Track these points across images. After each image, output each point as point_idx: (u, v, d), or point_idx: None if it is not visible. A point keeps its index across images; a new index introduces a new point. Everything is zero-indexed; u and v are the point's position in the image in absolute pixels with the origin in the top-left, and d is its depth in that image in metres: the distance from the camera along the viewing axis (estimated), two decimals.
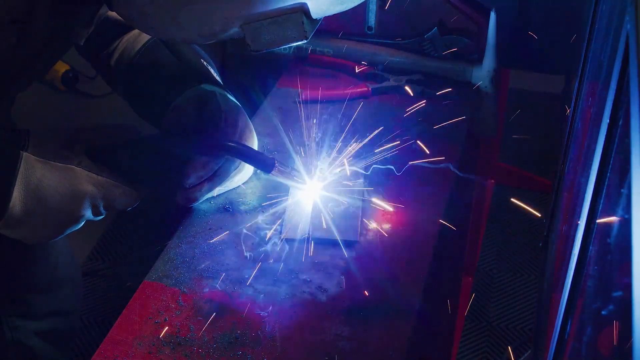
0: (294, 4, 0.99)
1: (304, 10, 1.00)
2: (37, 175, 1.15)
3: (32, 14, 1.10)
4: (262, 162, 1.31)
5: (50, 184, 1.16)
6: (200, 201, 1.34)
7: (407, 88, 1.69)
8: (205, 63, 1.44)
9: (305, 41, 1.02)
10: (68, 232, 1.23)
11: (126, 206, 1.26)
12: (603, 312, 0.66)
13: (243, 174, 1.38)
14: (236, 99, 1.42)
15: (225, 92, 1.40)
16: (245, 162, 1.33)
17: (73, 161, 1.19)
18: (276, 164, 1.30)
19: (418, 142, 1.43)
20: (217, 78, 1.44)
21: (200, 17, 1.01)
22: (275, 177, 1.32)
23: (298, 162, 1.38)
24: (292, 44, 1.03)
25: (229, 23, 1.01)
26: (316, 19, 1.04)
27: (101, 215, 1.25)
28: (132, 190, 1.25)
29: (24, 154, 1.15)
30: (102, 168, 1.21)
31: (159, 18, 1.04)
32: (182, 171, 1.28)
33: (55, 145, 1.19)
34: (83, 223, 1.25)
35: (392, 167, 1.40)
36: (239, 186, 1.41)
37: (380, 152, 1.43)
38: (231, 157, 1.31)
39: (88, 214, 1.22)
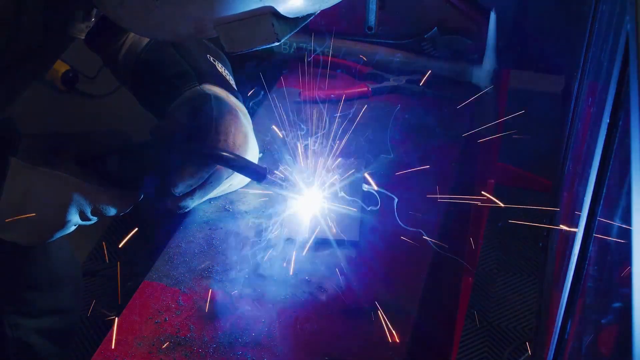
0: (261, 7, 0.98)
1: (271, 12, 0.98)
2: (24, 181, 1.16)
3: (22, 13, 1.10)
4: (253, 172, 1.28)
5: (38, 190, 1.17)
6: (192, 207, 1.33)
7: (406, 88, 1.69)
8: (212, 59, 1.43)
9: (277, 43, 1.01)
10: (57, 236, 1.23)
11: (116, 212, 1.26)
12: (603, 321, 0.66)
13: (242, 178, 1.37)
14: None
15: (227, 93, 1.39)
16: (235, 171, 1.30)
17: (61, 168, 1.19)
18: (268, 174, 1.27)
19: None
20: (224, 74, 1.43)
21: (170, 19, 1.01)
22: (269, 187, 1.30)
23: (295, 167, 1.37)
24: (264, 46, 1.02)
25: (201, 24, 1.01)
26: (296, 20, 1.03)
27: (90, 221, 1.24)
28: (121, 197, 1.25)
29: (13, 159, 1.16)
30: (91, 174, 1.22)
31: (131, 20, 1.04)
32: (171, 179, 1.28)
33: (45, 151, 1.20)
34: (73, 228, 1.25)
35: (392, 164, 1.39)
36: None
37: (380, 153, 1.43)
38: (221, 165, 1.29)
39: (75, 219, 1.22)
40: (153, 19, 1.01)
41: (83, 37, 1.25)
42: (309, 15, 1.04)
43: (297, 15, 1.02)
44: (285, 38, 1.02)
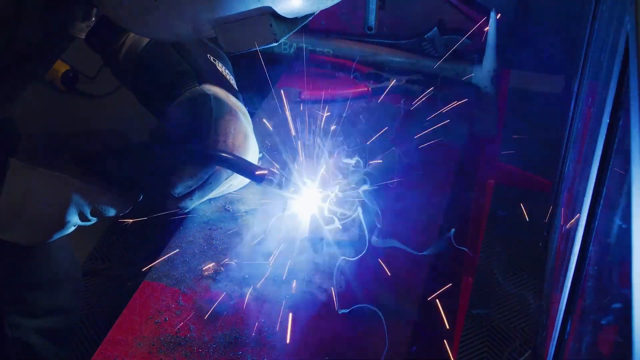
0: (259, 7, 0.98)
1: (269, 12, 0.99)
2: (24, 181, 1.16)
3: (22, 12, 1.10)
4: (252, 173, 1.27)
5: (37, 190, 1.17)
6: (191, 208, 1.33)
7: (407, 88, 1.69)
8: (212, 58, 1.43)
9: (275, 44, 1.01)
10: (56, 237, 1.23)
11: (115, 213, 1.25)
12: (602, 322, 0.66)
13: (242, 179, 1.37)
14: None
15: (227, 93, 1.39)
16: (234, 172, 1.29)
17: (61, 168, 1.19)
18: (267, 175, 1.27)
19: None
20: (225, 74, 1.43)
21: (169, 20, 1.02)
22: (268, 188, 1.29)
23: (295, 168, 1.37)
24: (263, 47, 1.02)
25: (200, 25, 1.01)
26: (294, 21, 1.03)
27: (89, 221, 1.24)
28: (120, 198, 1.24)
29: (13, 159, 1.16)
30: (90, 175, 1.21)
31: (130, 20, 1.05)
32: (170, 180, 1.28)
33: (44, 151, 1.20)
34: (73, 229, 1.24)
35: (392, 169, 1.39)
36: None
37: (380, 154, 1.42)
38: (220, 166, 1.29)
39: (75, 220, 1.21)
40: (152, 19, 1.02)
41: (83, 37, 1.24)
42: (307, 16, 1.04)
43: (296, 16, 1.02)
44: (284, 38, 1.02)
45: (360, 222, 1.30)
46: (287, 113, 1.52)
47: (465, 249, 1.30)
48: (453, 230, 1.30)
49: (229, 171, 1.30)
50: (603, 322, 0.67)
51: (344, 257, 1.25)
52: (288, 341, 1.12)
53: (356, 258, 1.25)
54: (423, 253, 1.26)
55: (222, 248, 1.29)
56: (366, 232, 1.28)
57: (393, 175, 1.37)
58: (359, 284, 1.21)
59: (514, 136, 2.12)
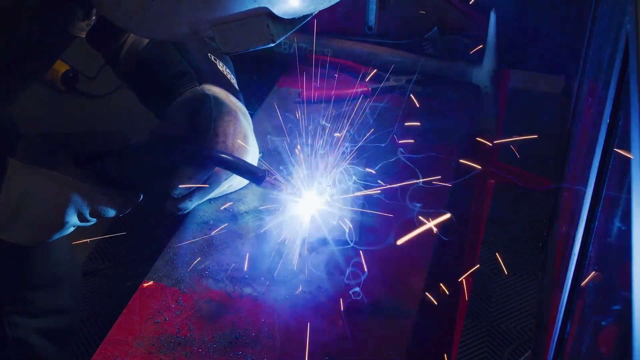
0: (256, 8, 0.98)
1: (267, 13, 0.98)
2: (23, 181, 1.16)
3: (21, 12, 1.10)
4: (252, 174, 1.28)
5: (36, 190, 1.16)
6: (191, 208, 1.33)
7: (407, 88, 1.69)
8: (213, 58, 1.43)
9: (272, 44, 1.01)
10: (56, 237, 1.23)
11: (115, 214, 1.25)
12: (602, 322, 0.66)
13: (242, 179, 1.37)
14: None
15: (228, 93, 1.39)
16: (233, 173, 1.30)
17: (60, 168, 1.19)
18: (267, 177, 1.27)
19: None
20: (225, 73, 1.43)
21: (166, 19, 1.01)
22: (268, 189, 1.29)
23: (294, 169, 1.37)
24: (260, 47, 1.02)
25: (197, 25, 1.01)
26: (292, 21, 1.03)
27: (88, 222, 1.24)
28: (120, 198, 1.24)
29: (11, 160, 1.16)
30: (89, 175, 1.21)
31: (128, 20, 1.04)
32: (170, 181, 1.28)
33: (43, 151, 1.20)
34: (72, 229, 1.24)
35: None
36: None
37: (380, 153, 1.42)
38: (219, 167, 1.30)
39: (74, 220, 1.21)
40: (149, 19, 1.02)
41: (83, 36, 1.24)
42: (305, 17, 1.04)
43: (294, 17, 1.02)
44: (282, 39, 1.02)
45: (361, 222, 1.30)
46: (287, 113, 1.52)
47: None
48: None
49: (229, 172, 1.30)
50: (603, 322, 0.67)
51: (339, 249, 1.25)
52: (288, 341, 1.12)
53: (348, 246, 1.25)
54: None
55: (222, 248, 1.29)
56: (356, 232, 1.28)
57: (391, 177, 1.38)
58: (359, 284, 1.21)
59: (514, 136, 2.12)
